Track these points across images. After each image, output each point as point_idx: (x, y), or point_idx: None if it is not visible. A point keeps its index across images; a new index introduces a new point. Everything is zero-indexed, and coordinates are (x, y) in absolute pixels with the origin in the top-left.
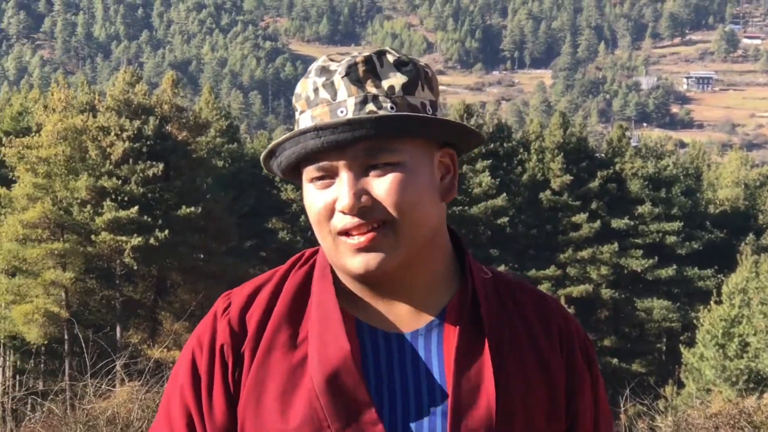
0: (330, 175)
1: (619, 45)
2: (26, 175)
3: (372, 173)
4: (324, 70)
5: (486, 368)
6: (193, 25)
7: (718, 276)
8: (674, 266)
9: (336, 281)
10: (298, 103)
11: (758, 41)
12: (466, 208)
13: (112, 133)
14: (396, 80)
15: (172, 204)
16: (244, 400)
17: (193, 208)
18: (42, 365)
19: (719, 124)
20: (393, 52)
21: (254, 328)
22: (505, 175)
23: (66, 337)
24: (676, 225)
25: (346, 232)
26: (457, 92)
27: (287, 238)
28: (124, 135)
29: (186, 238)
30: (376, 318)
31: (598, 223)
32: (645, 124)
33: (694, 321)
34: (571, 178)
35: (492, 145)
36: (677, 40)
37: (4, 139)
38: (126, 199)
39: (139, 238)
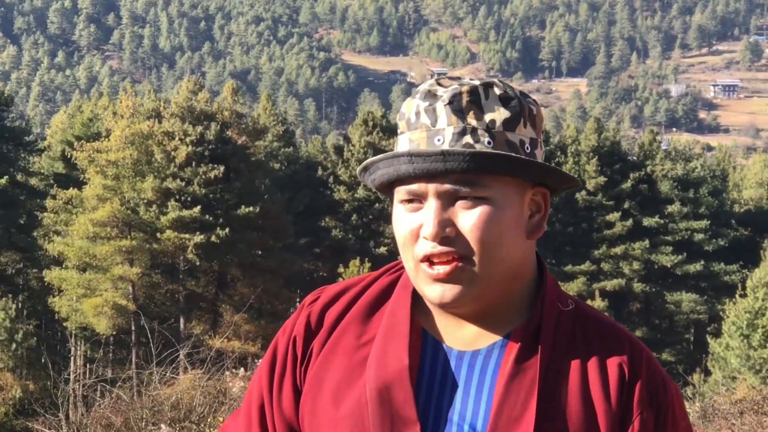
0: (419, 199)
1: (650, 55)
2: (96, 177)
3: (459, 204)
4: (429, 95)
5: (531, 399)
6: (251, 37)
7: (743, 271)
8: (702, 262)
9: (415, 294)
10: (401, 122)
11: None
12: None
13: (176, 138)
14: (498, 114)
15: (232, 204)
16: (305, 391)
17: (251, 208)
18: (111, 354)
19: (744, 128)
20: (500, 84)
21: (329, 325)
22: None
23: (133, 328)
24: (704, 223)
25: (427, 259)
26: None
27: (340, 236)
28: (188, 140)
29: (245, 236)
30: (443, 333)
31: (630, 222)
32: (674, 129)
33: (720, 313)
34: (605, 179)
35: None
36: (705, 50)
37: (75, 143)
38: (189, 199)
39: (201, 236)
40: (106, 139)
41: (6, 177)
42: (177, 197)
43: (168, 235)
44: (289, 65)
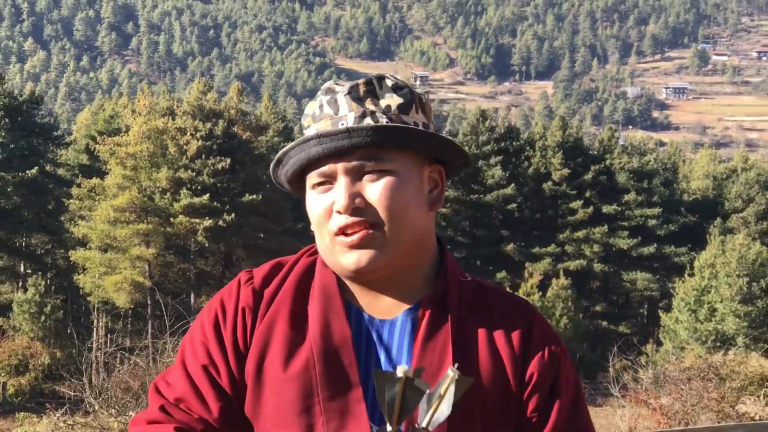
0: (329, 180)
1: (609, 60)
2: (116, 168)
3: (366, 178)
4: (329, 90)
5: (447, 358)
6: (255, 44)
7: (691, 253)
8: (654, 245)
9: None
10: (305, 120)
11: (725, 58)
12: (482, 196)
13: (188, 133)
14: (393, 100)
15: (237, 192)
16: (251, 354)
17: (254, 196)
18: (129, 326)
19: (692, 126)
20: (391, 77)
21: (268, 298)
22: (513, 168)
23: (149, 302)
24: (656, 210)
25: (342, 232)
26: (475, 100)
27: None
28: (198, 135)
29: (249, 221)
30: (363, 304)
31: (591, 209)
32: (630, 127)
33: (671, 290)
34: (569, 171)
35: (503, 144)
36: (658, 56)
37: (98, 138)
38: (199, 188)
39: (210, 221)
40: (126, 134)
41: (36, 168)
42: (188, 186)
43: (180, 220)
44: (288, 69)
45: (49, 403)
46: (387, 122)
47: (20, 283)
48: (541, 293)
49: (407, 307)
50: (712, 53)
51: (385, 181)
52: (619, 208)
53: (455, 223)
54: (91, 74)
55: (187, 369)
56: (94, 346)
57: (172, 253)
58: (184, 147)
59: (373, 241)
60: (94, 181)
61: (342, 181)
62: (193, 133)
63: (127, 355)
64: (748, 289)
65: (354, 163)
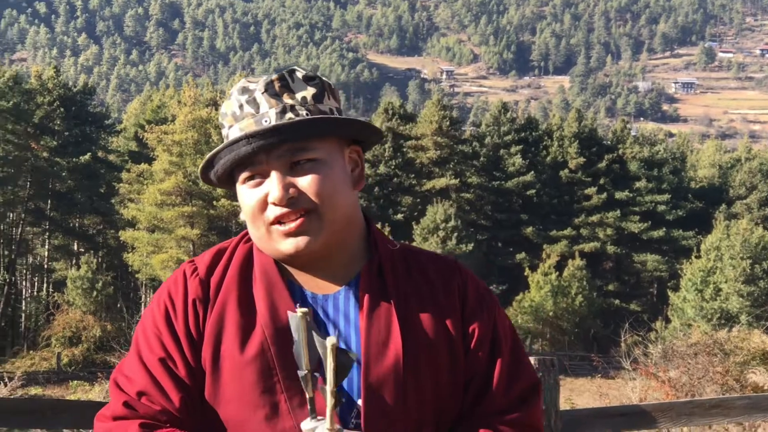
0: (261, 174)
1: (622, 57)
2: (163, 155)
3: (296, 170)
4: (245, 90)
5: (393, 324)
6: (292, 39)
7: (698, 236)
8: (663, 229)
9: None
10: (225, 120)
11: (731, 55)
12: (503, 182)
13: None
14: (307, 92)
15: None
16: (206, 340)
17: None
18: None
19: (699, 119)
20: (300, 69)
21: (214, 287)
22: (533, 157)
23: None
24: (666, 197)
25: (278, 221)
26: (496, 93)
27: (364, 205)
28: None
29: None
30: (303, 282)
31: (604, 195)
32: (642, 119)
33: (679, 271)
34: (584, 159)
35: (523, 134)
36: (667, 53)
37: (146, 126)
38: None
39: None
40: (172, 123)
41: (89, 154)
42: None
43: (222, 203)
44: (323, 63)
45: (100, 372)
46: (307, 114)
47: (74, 261)
48: (557, 273)
49: (347, 281)
50: (718, 50)
51: (314, 170)
52: (631, 195)
53: (478, 207)
54: (140, 67)
55: (144, 362)
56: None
57: (214, 234)
58: None
59: (309, 227)
60: (143, 166)
61: (274, 176)
62: None
63: None
64: (750, 270)
65: (283, 157)
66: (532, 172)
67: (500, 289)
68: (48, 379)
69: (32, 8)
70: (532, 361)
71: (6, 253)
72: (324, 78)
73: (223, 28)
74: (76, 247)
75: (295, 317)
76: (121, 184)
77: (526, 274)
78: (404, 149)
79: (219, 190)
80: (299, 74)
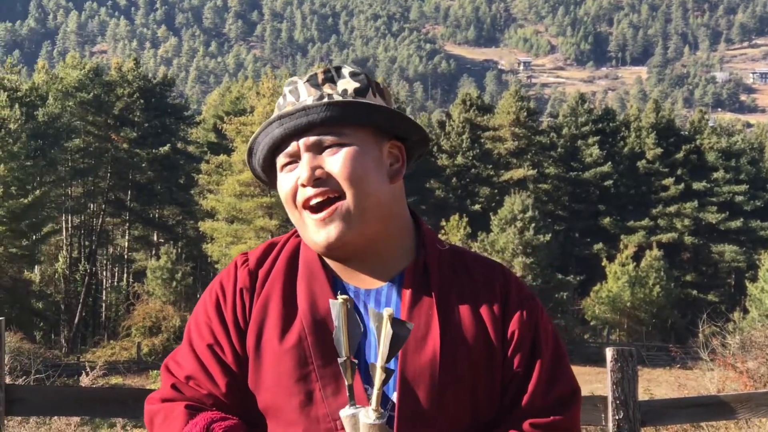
0: (295, 159)
1: (699, 47)
2: (242, 146)
3: (326, 152)
4: (292, 83)
5: (433, 319)
6: (370, 31)
7: None
8: (741, 219)
9: None
10: (275, 112)
11: None
12: (580, 173)
13: None
14: (349, 85)
15: None
16: (250, 328)
17: None
18: None
19: None
20: (349, 67)
21: (262, 278)
22: (610, 148)
23: None
24: (743, 187)
25: (310, 207)
26: (574, 84)
27: (442, 196)
28: None
29: None
30: (347, 276)
31: (682, 186)
32: (719, 109)
33: (757, 262)
34: (662, 150)
35: (600, 125)
36: (745, 43)
37: (225, 117)
38: None
39: None
40: (251, 114)
41: (168, 145)
42: None
43: None
44: (401, 54)
45: None
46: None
47: (153, 252)
48: (635, 264)
49: (391, 277)
50: None
51: (343, 152)
52: (709, 185)
53: (555, 198)
54: (219, 59)
55: (194, 348)
56: None
57: (292, 225)
58: None
59: (339, 214)
60: (222, 157)
61: (304, 157)
62: None
63: None
64: None
65: (313, 138)
66: (610, 162)
67: (577, 280)
68: (128, 368)
69: (112, 1)
70: (610, 352)
71: (87, 243)
72: (372, 78)
73: (301, 20)
74: (155, 238)
75: (336, 304)
76: (200, 175)
77: (603, 264)
78: (482, 140)
79: None
80: (345, 70)
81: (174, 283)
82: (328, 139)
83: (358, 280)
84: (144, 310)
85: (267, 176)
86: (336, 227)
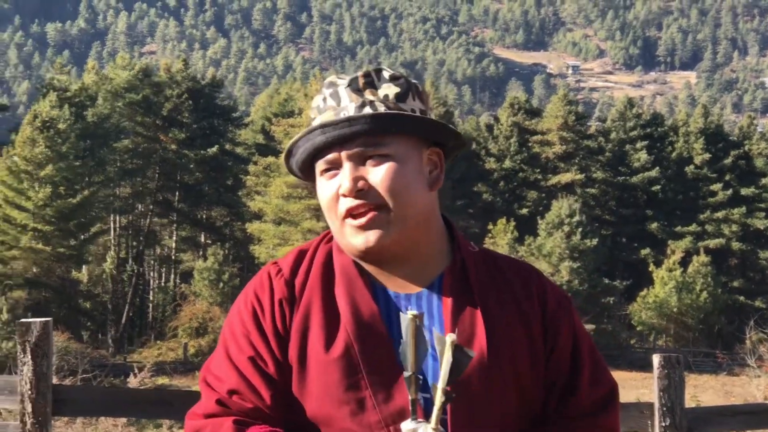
0: (335, 167)
1: (749, 53)
2: None
3: (369, 163)
4: (331, 84)
5: (478, 321)
6: (419, 34)
7: None
8: None
9: None
10: (312, 113)
11: None
12: (628, 178)
13: None
14: (390, 90)
15: None
16: (293, 339)
17: None
18: None
19: None
20: (389, 69)
21: (299, 287)
22: (658, 152)
23: None
24: None
25: (350, 214)
26: (622, 88)
27: (489, 199)
28: None
29: None
30: (385, 281)
31: (730, 191)
32: None
33: None
34: (710, 155)
35: (648, 130)
36: None
37: (273, 119)
38: None
39: None
40: (299, 116)
41: (217, 146)
42: None
43: None
44: (449, 57)
45: None
46: (384, 110)
47: (200, 252)
48: (682, 269)
49: (429, 280)
50: None
51: (385, 166)
52: (757, 191)
53: (603, 202)
54: (268, 60)
55: (233, 361)
56: None
57: None
58: None
59: (379, 222)
60: (270, 159)
61: (346, 167)
62: None
63: None
64: None
65: (355, 149)
66: (657, 167)
67: (624, 285)
68: (175, 369)
69: (162, 1)
70: (657, 358)
71: (134, 244)
72: (413, 81)
73: (350, 22)
74: (202, 239)
75: (406, 319)
76: (248, 177)
77: (650, 269)
78: (530, 144)
79: None
80: (386, 73)
81: (221, 285)
82: (370, 150)
83: (396, 285)
84: (191, 310)
85: (304, 176)
86: (375, 233)
